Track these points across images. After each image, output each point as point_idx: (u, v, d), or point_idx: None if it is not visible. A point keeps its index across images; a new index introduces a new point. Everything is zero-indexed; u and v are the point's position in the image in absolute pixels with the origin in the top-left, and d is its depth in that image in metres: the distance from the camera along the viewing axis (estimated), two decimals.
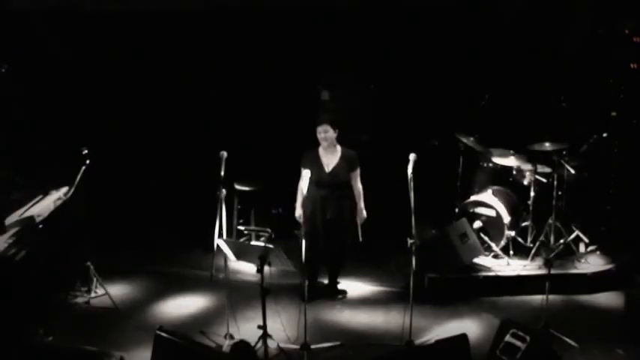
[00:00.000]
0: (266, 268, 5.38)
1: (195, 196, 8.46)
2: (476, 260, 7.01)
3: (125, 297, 6.85)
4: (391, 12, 8.38)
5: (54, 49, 8.19)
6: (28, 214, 6.27)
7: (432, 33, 8.24)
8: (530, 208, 7.26)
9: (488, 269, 6.98)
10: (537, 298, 6.33)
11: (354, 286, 7.06)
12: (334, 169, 6.41)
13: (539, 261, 7.05)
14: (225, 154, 5.80)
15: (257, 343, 5.60)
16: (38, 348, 5.35)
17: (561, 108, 7.31)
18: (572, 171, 7.15)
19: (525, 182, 7.39)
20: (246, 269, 6.97)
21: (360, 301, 6.82)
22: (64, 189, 6.68)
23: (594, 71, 8.25)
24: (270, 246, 5.36)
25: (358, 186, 6.55)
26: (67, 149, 7.07)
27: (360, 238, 6.62)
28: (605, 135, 7.40)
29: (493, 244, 7.15)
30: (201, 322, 6.36)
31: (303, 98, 8.27)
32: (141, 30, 8.25)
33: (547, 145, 7.10)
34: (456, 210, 7.60)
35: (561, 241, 7.18)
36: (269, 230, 7.94)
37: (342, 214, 6.44)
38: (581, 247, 7.26)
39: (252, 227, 8.00)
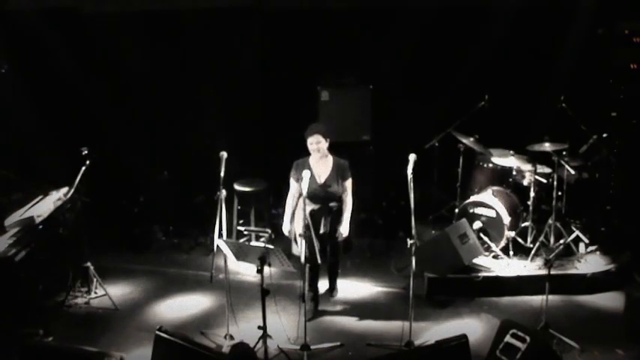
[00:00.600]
0: (266, 269, 5.38)
1: (195, 196, 8.51)
2: (476, 261, 7.00)
3: (125, 297, 6.85)
4: (391, 12, 8.38)
5: (54, 49, 8.18)
6: (28, 214, 6.28)
7: (432, 33, 8.23)
8: (530, 208, 7.25)
9: (488, 270, 6.97)
10: (537, 299, 6.33)
11: (354, 287, 7.06)
12: (327, 180, 6.19)
13: (539, 261, 7.04)
14: (225, 154, 5.79)
15: (257, 343, 5.61)
16: (38, 348, 5.34)
17: (561, 108, 7.30)
18: (572, 171, 7.14)
19: (525, 183, 7.38)
20: (246, 269, 6.97)
21: (360, 301, 6.82)
22: (64, 189, 6.69)
23: (594, 71, 8.25)
24: (270, 246, 5.37)
25: (348, 198, 6.25)
26: (67, 149, 7.08)
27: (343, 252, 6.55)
28: (605, 135, 7.39)
29: (493, 245, 7.15)
30: (201, 322, 6.37)
31: (303, 98, 8.25)
32: (141, 30, 8.24)
33: (547, 146, 7.10)
34: (456, 210, 7.60)
35: (561, 241, 7.17)
36: (269, 231, 7.92)
37: (335, 227, 6.26)
38: (581, 247, 7.25)
39: (252, 228, 8.00)
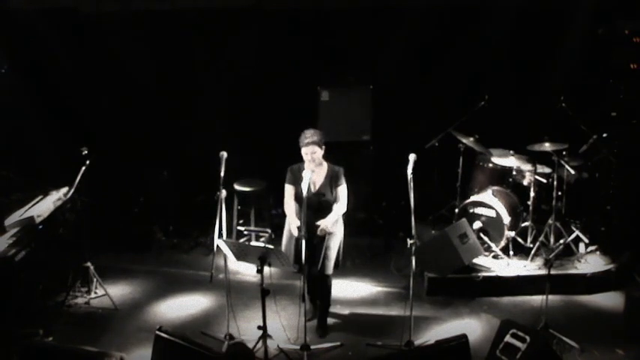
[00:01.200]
0: (266, 269, 5.38)
1: (195, 196, 8.50)
2: (476, 261, 7.00)
3: (125, 297, 6.85)
4: (391, 12, 8.38)
5: (53, 48, 8.18)
6: (28, 214, 6.28)
7: (432, 33, 8.23)
8: (530, 208, 7.26)
9: (488, 269, 6.97)
10: (537, 299, 6.33)
11: (354, 286, 7.06)
12: (321, 187, 6.02)
13: (539, 261, 7.05)
14: (225, 154, 5.79)
15: (257, 343, 5.61)
16: (38, 348, 5.34)
17: (561, 108, 7.30)
18: (572, 171, 7.14)
19: (525, 183, 7.38)
20: (246, 269, 6.97)
21: (360, 301, 6.82)
22: (64, 189, 6.69)
23: (594, 71, 8.25)
24: (270, 246, 5.37)
25: (341, 202, 5.99)
26: (67, 149, 7.08)
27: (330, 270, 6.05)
28: (605, 135, 7.39)
29: (493, 245, 7.15)
30: (201, 322, 6.37)
31: (303, 98, 8.25)
32: (141, 30, 8.24)
33: (547, 146, 7.10)
34: (456, 210, 7.60)
35: (561, 241, 7.17)
36: (269, 231, 7.94)
37: (328, 239, 5.98)
38: (581, 247, 7.25)
39: (252, 228, 8.00)
